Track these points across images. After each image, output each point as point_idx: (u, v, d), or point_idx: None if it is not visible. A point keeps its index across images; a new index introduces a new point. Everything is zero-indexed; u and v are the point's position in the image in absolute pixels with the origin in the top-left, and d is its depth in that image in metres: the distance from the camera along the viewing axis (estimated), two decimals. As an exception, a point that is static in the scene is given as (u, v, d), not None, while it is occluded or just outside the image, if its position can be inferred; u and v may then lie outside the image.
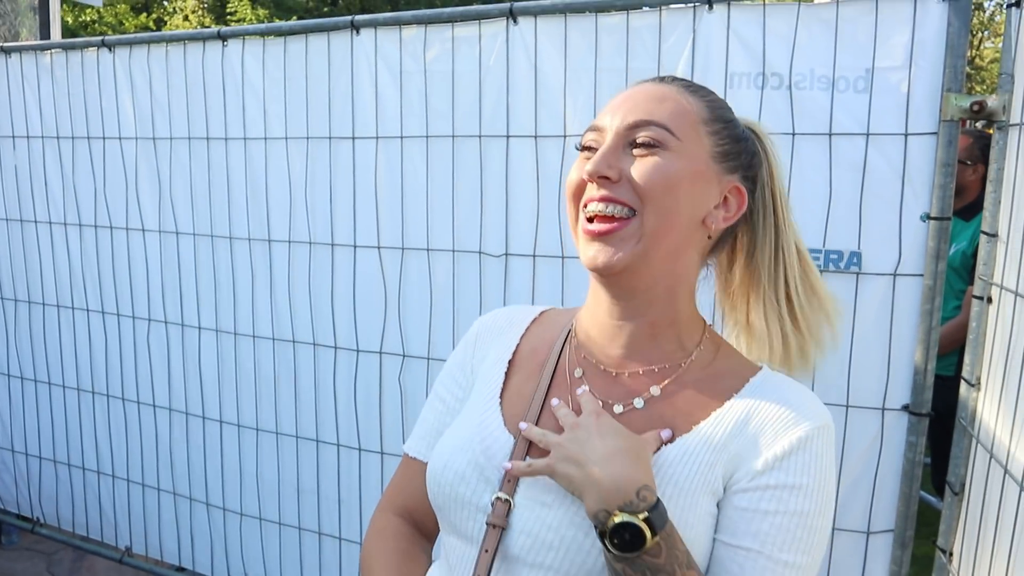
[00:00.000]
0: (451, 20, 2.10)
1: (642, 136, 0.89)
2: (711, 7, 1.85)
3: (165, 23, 17.20)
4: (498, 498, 0.91)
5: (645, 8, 1.93)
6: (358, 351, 2.35)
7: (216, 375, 2.62)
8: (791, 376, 0.97)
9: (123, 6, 16.26)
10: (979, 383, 1.75)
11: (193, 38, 2.48)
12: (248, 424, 2.59)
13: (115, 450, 2.91)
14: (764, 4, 1.82)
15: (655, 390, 0.93)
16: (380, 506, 1.10)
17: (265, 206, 2.43)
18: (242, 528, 2.67)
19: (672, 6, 1.89)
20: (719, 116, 0.94)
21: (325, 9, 16.58)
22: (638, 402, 0.93)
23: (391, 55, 2.18)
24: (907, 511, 1.86)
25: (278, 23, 2.37)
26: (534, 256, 2.08)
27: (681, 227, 0.90)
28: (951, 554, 1.83)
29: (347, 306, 2.35)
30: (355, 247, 2.30)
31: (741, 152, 0.95)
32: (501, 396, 1.00)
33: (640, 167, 0.88)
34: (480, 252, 2.15)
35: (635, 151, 0.89)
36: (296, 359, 2.46)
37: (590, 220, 0.90)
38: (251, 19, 15.52)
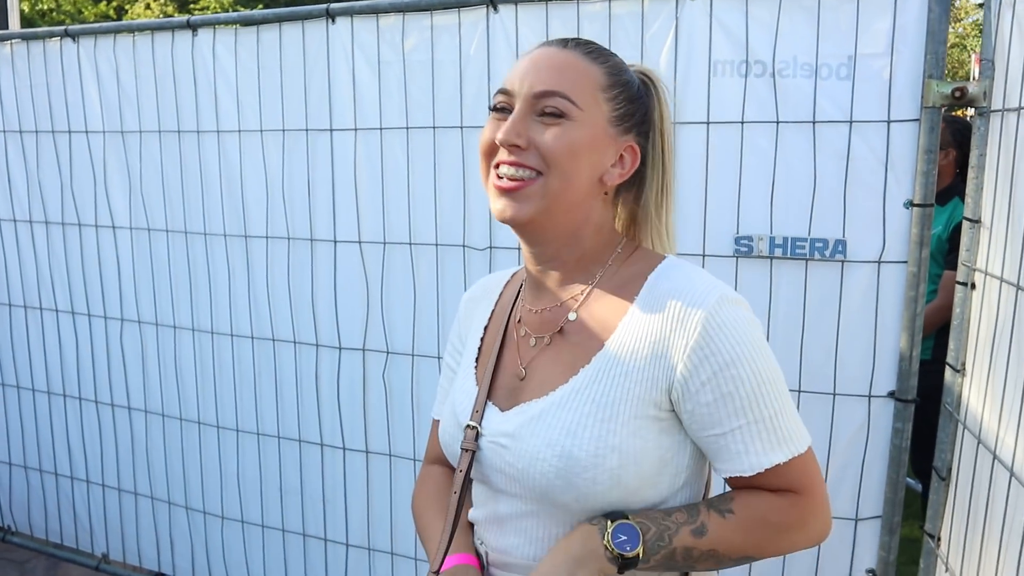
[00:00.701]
0: (430, 8, 2.06)
1: (548, 107, 0.98)
2: (694, -7, 1.83)
3: (126, 11, 16.81)
4: (468, 426, 1.06)
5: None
6: (340, 348, 2.31)
7: (194, 375, 2.57)
8: None
9: (82, -6, 15.85)
10: (964, 369, 1.76)
11: (161, 27, 2.41)
12: (228, 425, 2.54)
13: (89, 455, 2.84)
14: (747, -9, 1.81)
15: (571, 315, 1.05)
16: (423, 461, 1.30)
17: (241, 201, 2.37)
18: (223, 531, 2.62)
19: (655, -7, 1.87)
20: (616, 81, 1.02)
21: (294, -4, 16.31)
22: (558, 330, 1.05)
23: (368, 44, 2.14)
24: (895, 497, 1.88)
25: (250, 12, 2.31)
26: (519, 248, 2.05)
27: (580, 187, 1.00)
28: (939, 539, 1.84)
29: (328, 303, 2.31)
30: (335, 242, 2.26)
31: (635, 111, 1.04)
32: (477, 360, 1.15)
33: (546, 136, 0.97)
34: (464, 245, 2.12)
35: (542, 119, 0.98)
36: (277, 358, 2.42)
37: (500, 178, 1.00)
38: (215, 7, 15.23)
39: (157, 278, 2.57)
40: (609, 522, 0.95)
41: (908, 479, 3.48)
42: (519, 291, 1.15)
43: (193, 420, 2.60)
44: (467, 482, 1.06)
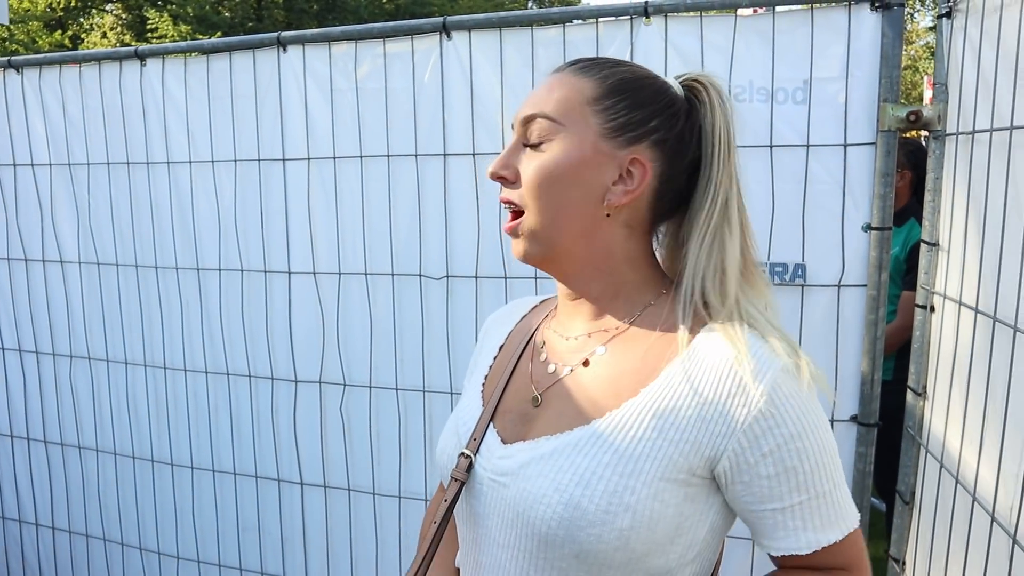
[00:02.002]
0: (382, 35, 2.03)
1: (532, 133, 0.93)
2: (648, 18, 1.83)
3: (82, 40, 16.64)
4: (462, 454, 0.98)
5: (580, 21, 1.90)
6: (296, 381, 2.26)
7: (147, 412, 2.49)
8: None
9: (36, 24, 15.64)
10: (925, 392, 1.76)
11: (109, 57, 2.36)
12: (183, 462, 2.46)
13: (38, 496, 2.74)
14: (701, 16, 1.80)
15: (600, 349, 0.96)
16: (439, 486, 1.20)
17: (193, 233, 2.32)
18: (179, 572, 2.54)
19: (609, 18, 1.87)
20: (613, 90, 0.92)
21: (250, 24, 16.29)
22: (583, 362, 0.96)
23: (320, 72, 2.10)
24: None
25: (200, 41, 2.26)
26: (476, 277, 2.02)
27: (575, 214, 0.92)
28: (903, 563, 1.83)
29: (283, 335, 2.25)
30: (289, 273, 2.21)
31: (645, 119, 0.93)
32: (486, 378, 1.07)
33: (526, 168, 0.92)
34: (421, 275, 2.08)
35: (529, 148, 0.93)
36: (232, 392, 2.35)
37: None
38: (173, 35, 15.11)
39: (108, 313, 2.50)
40: None
41: (872, 499, 3.50)
42: (547, 315, 1.08)
43: (147, 458, 2.52)
44: (450, 513, 0.97)
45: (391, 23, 2.06)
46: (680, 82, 0.97)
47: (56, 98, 2.43)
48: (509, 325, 1.12)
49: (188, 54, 2.26)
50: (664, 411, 0.88)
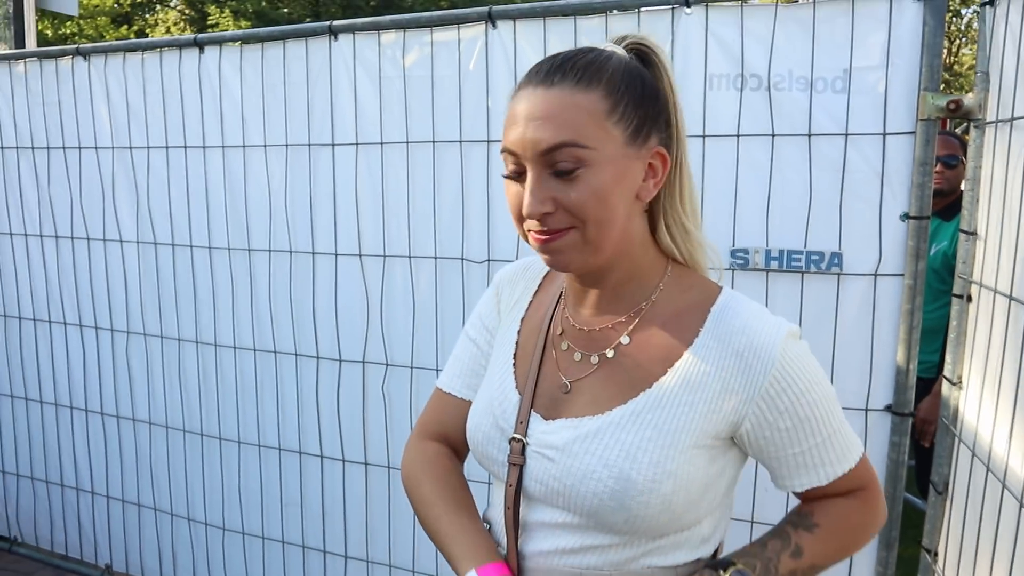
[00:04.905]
0: (430, 24, 2.09)
1: (561, 163, 0.91)
2: (689, 7, 1.85)
3: (147, 35, 17.12)
4: (513, 438, 1.04)
5: (621, 11, 1.93)
6: (340, 361, 2.33)
7: (197, 387, 2.59)
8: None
9: (103, 19, 16.16)
10: (960, 382, 1.75)
11: (169, 45, 2.46)
12: (230, 437, 2.56)
13: (94, 466, 2.87)
14: (742, 5, 1.82)
15: (624, 339, 1.02)
16: (416, 434, 1.22)
17: (244, 215, 2.41)
18: (224, 542, 2.63)
19: (651, 8, 1.89)
20: (619, 96, 0.93)
21: (307, 20, 16.57)
22: (609, 352, 1.02)
23: (370, 60, 2.17)
24: (892, 512, 1.85)
25: (255, 29, 2.35)
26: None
27: (620, 219, 0.96)
28: (936, 554, 1.82)
29: (329, 315, 2.33)
30: (336, 255, 2.29)
31: (648, 112, 0.96)
32: (515, 356, 1.11)
33: (570, 193, 0.92)
34: (463, 258, 2.14)
35: (558, 175, 0.92)
36: (278, 370, 2.43)
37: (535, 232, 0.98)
38: (233, 30, 15.43)
39: (162, 291, 2.60)
40: (722, 571, 0.99)
41: (915, 499, 3.45)
42: (560, 296, 1.11)
43: (196, 432, 2.62)
44: (518, 496, 1.03)
45: (438, 12, 2.11)
46: (626, 47, 0.99)
47: (119, 84, 2.55)
48: (526, 295, 1.15)
49: (244, 43, 2.35)
50: (693, 385, 0.97)
